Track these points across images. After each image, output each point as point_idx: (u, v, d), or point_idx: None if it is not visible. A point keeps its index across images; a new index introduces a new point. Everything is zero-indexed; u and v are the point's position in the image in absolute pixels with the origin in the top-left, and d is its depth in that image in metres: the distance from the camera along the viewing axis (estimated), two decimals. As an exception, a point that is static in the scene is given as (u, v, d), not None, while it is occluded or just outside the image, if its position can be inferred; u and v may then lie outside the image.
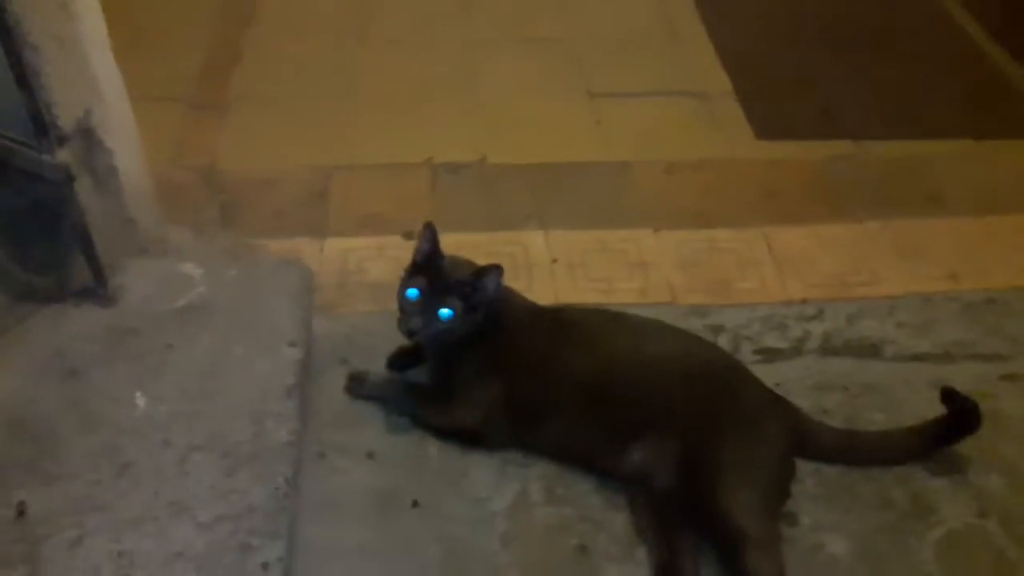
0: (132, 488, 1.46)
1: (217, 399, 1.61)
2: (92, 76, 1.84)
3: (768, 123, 2.81)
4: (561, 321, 1.86)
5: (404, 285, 1.76)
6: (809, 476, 1.79)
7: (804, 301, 2.20)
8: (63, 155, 1.69)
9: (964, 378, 1.97)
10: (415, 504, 1.73)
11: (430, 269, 1.74)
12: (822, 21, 3.34)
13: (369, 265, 2.27)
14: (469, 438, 1.81)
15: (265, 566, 1.36)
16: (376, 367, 1.98)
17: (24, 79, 1.58)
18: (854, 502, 1.75)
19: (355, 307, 2.16)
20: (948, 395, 1.78)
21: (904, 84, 3.02)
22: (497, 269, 1.74)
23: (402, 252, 2.25)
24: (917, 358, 2.06)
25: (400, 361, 1.98)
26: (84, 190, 1.82)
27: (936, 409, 1.87)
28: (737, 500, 1.59)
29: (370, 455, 1.81)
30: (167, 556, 1.36)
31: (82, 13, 1.81)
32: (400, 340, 1.96)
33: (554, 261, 2.30)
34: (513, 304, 1.87)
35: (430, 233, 1.76)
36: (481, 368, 1.79)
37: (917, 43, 3.26)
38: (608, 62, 3.10)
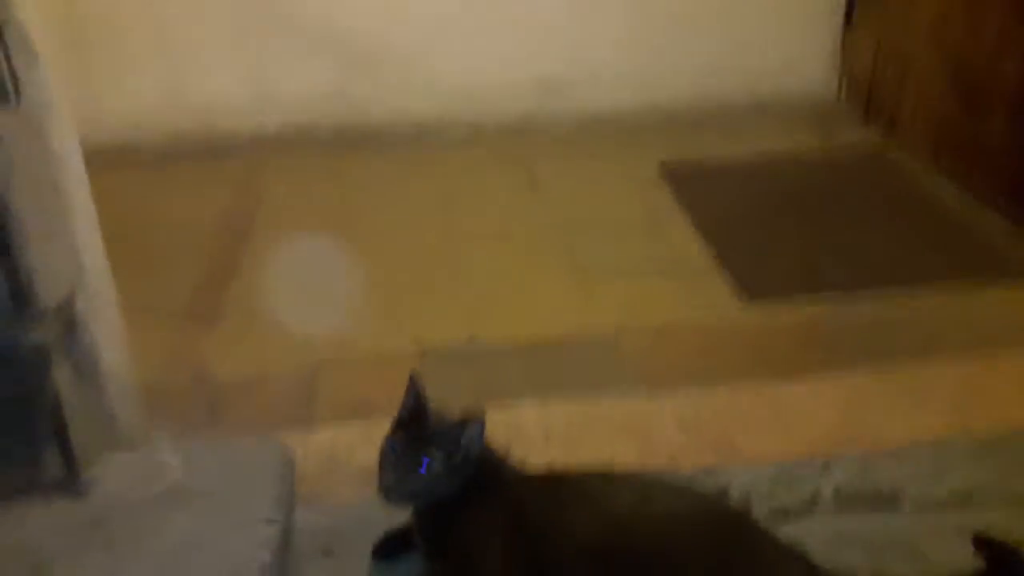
0: None
1: None
2: (79, 261, 1.85)
3: (753, 285, 2.83)
4: (559, 482, 1.76)
5: (387, 439, 1.69)
6: (838, 639, 1.62)
7: (810, 457, 2.10)
8: (41, 334, 1.68)
9: (990, 524, 1.85)
10: None
11: (412, 424, 1.68)
12: (792, 192, 3.46)
13: (357, 452, 2.19)
14: None
15: None
16: (363, 557, 1.86)
17: (5, 247, 1.59)
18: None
19: (341, 496, 2.06)
20: (981, 543, 1.65)
21: (879, 241, 3.07)
22: (478, 419, 1.67)
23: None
24: (938, 507, 1.94)
25: (387, 549, 1.87)
26: (63, 379, 1.79)
27: (966, 557, 1.75)
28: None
29: None
30: None
31: (73, 195, 1.86)
32: (386, 526, 1.87)
33: (547, 438, 2.23)
34: (507, 468, 1.79)
35: (413, 386, 1.71)
36: (482, 535, 1.67)
37: (886, 202, 3.35)
38: (590, 244, 3.18)
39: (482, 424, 1.68)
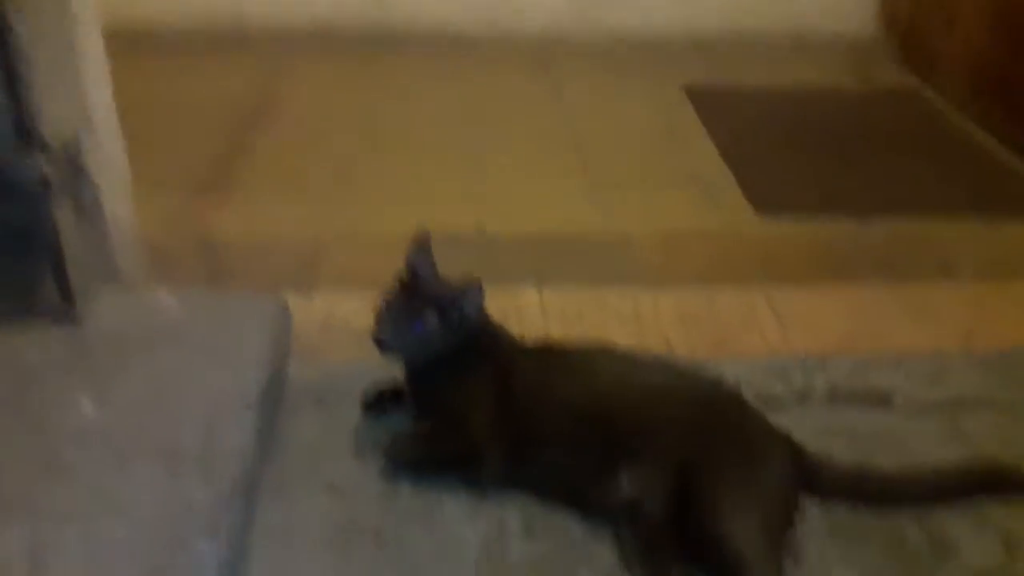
0: (62, 487, 1.35)
1: (170, 409, 1.52)
2: (86, 109, 1.87)
3: (770, 202, 2.79)
4: (553, 352, 1.76)
5: (385, 293, 1.70)
6: (816, 516, 1.62)
7: (807, 356, 2.08)
8: (43, 167, 1.68)
9: (980, 429, 1.84)
10: (378, 537, 1.58)
11: (413, 283, 1.68)
12: (820, 123, 3.40)
13: (355, 319, 2.18)
14: (469, 463, 1.67)
15: (200, 562, 1.22)
16: (354, 409, 1.87)
17: (12, 84, 1.60)
18: (865, 541, 1.57)
19: (337, 356, 2.08)
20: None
21: (906, 170, 3.02)
22: (477, 285, 1.67)
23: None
24: (929, 409, 1.92)
25: (377, 403, 1.87)
26: (64, 216, 1.81)
27: (951, 457, 1.74)
28: (736, 524, 1.45)
29: (333, 488, 1.68)
30: (90, 551, 1.23)
31: (85, 50, 1.88)
32: (380, 384, 1.89)
33: (548, 317, 2.23)
34: (504, 336, 1.79)
35: (418, 246, 1.71)
36: (474, 395, 1.68)
37: (915, 139, 3.28)
38: (607, 151, 3.15)
39: (480, 290, 1.68)
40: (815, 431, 1.82)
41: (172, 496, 1.34)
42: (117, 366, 1.62)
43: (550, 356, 1.74)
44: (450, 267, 1.93)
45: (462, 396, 1.69)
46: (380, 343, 1.65)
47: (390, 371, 1.87)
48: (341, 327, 2.17)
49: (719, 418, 1.62)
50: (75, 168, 1.85)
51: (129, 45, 2.23)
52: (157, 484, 1.36)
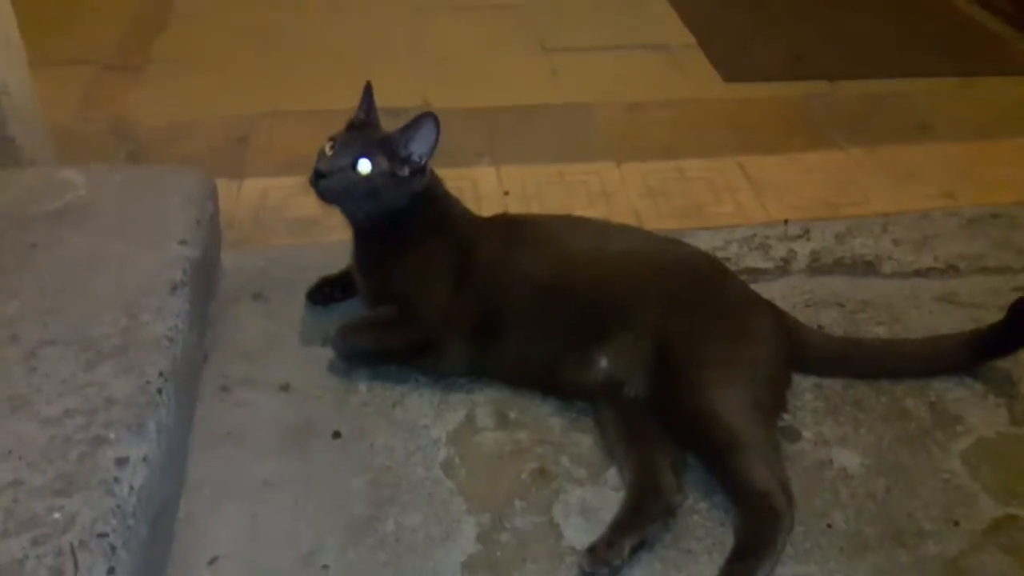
0: (-37, 389, 1.15)
1: (83, 294, 1.32)
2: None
3: (737, 67, 2.61)
4: (514, 223, 1.59)
5: (331, 137, 1.52)
6: (808, 390, 1.50)
7: (787, 222, 1.94)
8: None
9: (973, 291, 1.73)
10: (336, 435, 1.42)
11: (363, 126, 1.52)
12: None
13: (292, 202, 1.99)
14: (428, 351, 1.50)
15: (121, 461, 1.05)
16: (297, 300, 1.68)
17: None
18: (863, 414, 1.46)
19: (273, 242, 1.88)
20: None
21: (877, 31, 2.85)
22: (431, 116, 1.47)
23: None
24: (919, 273, 1.80)
25: (322, 292, 1.69)
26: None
27: (947, 324, 1.63)
28: (724, 398, 1.32)
29: (284, 387, 1.51)
30: (-4, 455, 1.04)
31: None
32: (323, 271, 1.69)
33: (506, 193, 2.04)
34: (459, 207, 1.61)
35: (367, 94, 1.54)
36: (429, 271, 1.51)
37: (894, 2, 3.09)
38: (561, 21, 2.90)
39: (435, 124, 1.48)
40: (800, 303, 1.71)
41: (87, 390, 1.15)
42: (19, 254, 1.41)
43: (512, 227, 1.57)
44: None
45: (415, 273, 1.52)
46: (320, 184, 1.45)
47: (333, 257, 1.69)
48: (276, 212, 1.97)
49: (701, 288, 1.47)
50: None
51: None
52: (70, 378, 1.17)
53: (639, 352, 1.39)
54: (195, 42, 2.72)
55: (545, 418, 1.46)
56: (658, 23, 2.90)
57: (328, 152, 1.47)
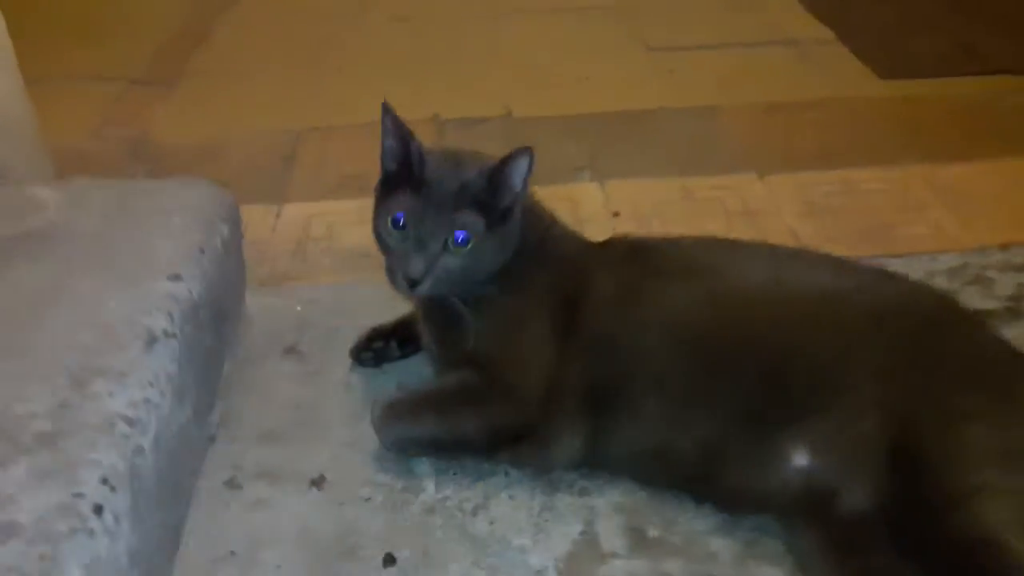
0: None
1: (13, 352, 0.88)
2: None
3: (892, 63, 2.10)
4: (644, 248, 1.11)
5: (381, 209, 1.06)
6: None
7: (1006, 247, 1.41)
8: None
9: None
10: (389, 561, 0.95)
11: (413, 176, 1.03)
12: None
13: (343, 231, 1.56)
14: (521, 442, 1.03)
15: None
16: (339, 358, 1.23)
17: None
18: None
19: (316, 279, 1.43)
20: None
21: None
22: (526, 152, 1.01)
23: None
24: None
25: (374, 350, 1.23)
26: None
27: None
28: (1009, 512, 0.81)
29: (317, 482, 1.05)
30: None
31: None
32: (376, 317, 1.24)
33: (615, 214, 1.57)
34: (559, 228, 1.14)
35: (391, 122, 1.05)
36: (527, 316, 1.05)
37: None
38: (663, 19, 2.45)
39: (529, 161, 1.02)
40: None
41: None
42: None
43: (641, 253, 1.09)
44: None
45: (506, 324, 1.05)
46: (412, 284, 1.01)
47: (391, 298, 1.23)
48: (322, 244, 1.53)
49: (943, 341, 0.97)
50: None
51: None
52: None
53: (860, 442, 0.89)
54: (239, 55, 2.34)
55: (703, 538, 0.96)
56: (781, 17, 2.42)
57: (400, 239, 1.02)
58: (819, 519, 0.90)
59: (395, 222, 1.02)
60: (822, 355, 0.95)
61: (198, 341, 1.04)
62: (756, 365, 0.95)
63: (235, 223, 1.22)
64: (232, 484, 1.06)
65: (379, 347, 1.23)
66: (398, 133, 1.05)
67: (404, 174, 1.04)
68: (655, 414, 0.98)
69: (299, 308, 1.35)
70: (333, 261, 1.47)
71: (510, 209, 1.04)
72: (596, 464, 1.03)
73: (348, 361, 1.23)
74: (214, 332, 1.11)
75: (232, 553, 0.97)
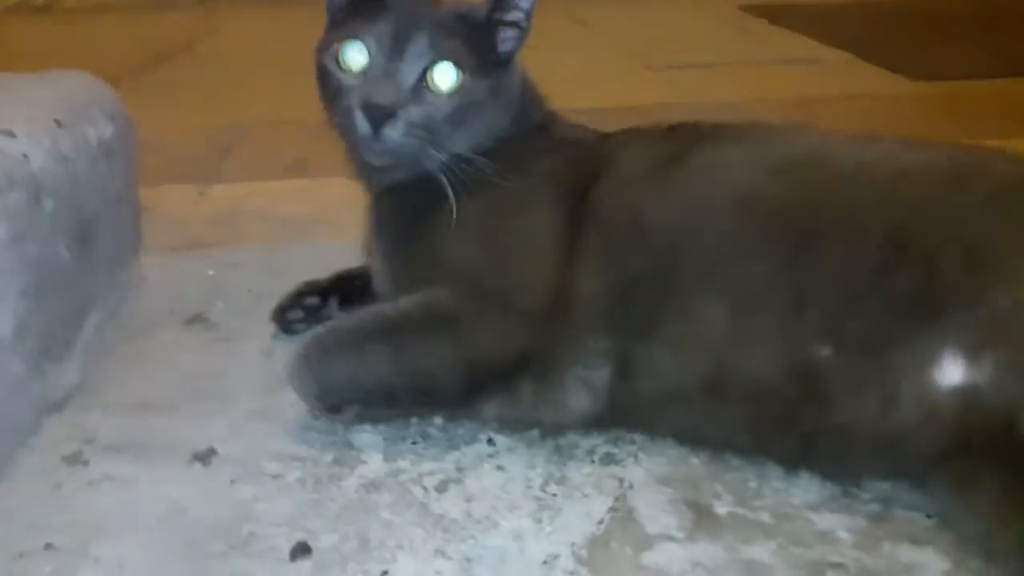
0: None
1: None
2: None
3: (922, 69, 1.92)
4: (686, 125, 0.78)
5: (331, 38, 0.76)
6: None
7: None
8: None
9: None
10: (302, 551, 0.59)
11: (375, 1, 0.75)
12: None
13: (285, 202, 1.25)
14: (515, 378, 0.69)
15: None
16: (257, 328, 0.89)
17: None
18: None
19: (239, 244, 1.11)
20: None
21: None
22: None
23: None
24: None
25: (303, 306, 0.89)
26: None
27: None
28: None
29: (203, 457, 0.70)
30: None
31: None
32: (308, 274, 0.91)
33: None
34: (564, 119, 0.83)
35: None
36: (524, 204, 0.74)
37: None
38: (673, 57, 2.23)
39: None
40: None
41: None
42: None
43: (688, 129, 0.78)
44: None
45: (490, 224, 0.73)
46: (385, 135, 0.70)
47: (331, 261, 0.92)
48: (256, 214, 1.21)
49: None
50: None
51: None
52: None
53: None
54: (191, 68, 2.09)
55: (805, 514, 0.61)
56: (792, 42, 2.22)
57: (359, 77, 0.72)
58: (993, 461, 0.56)
59: (351, 53, 0.72)
60: (965, 228, 0.63)
61: (41, 241, 0.70)
62: (870, 244, 0.63)
63: (121, 129, 0.90)
64: (74, 459, 0.70)
65: (312, 304, 0.89)
66: None
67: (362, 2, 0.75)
68: (713, 326, 0.64)
69: (212, 273, 1.02)
70: (268, 227, 1.15)
71: (511, 52, 0.76)
72: (624, 419, 0.69)
73: (270, 330, 0.90)
74: (74, 251, 0.77)
75: (48, 546, 0.60)
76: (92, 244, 0.82)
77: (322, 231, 1.13)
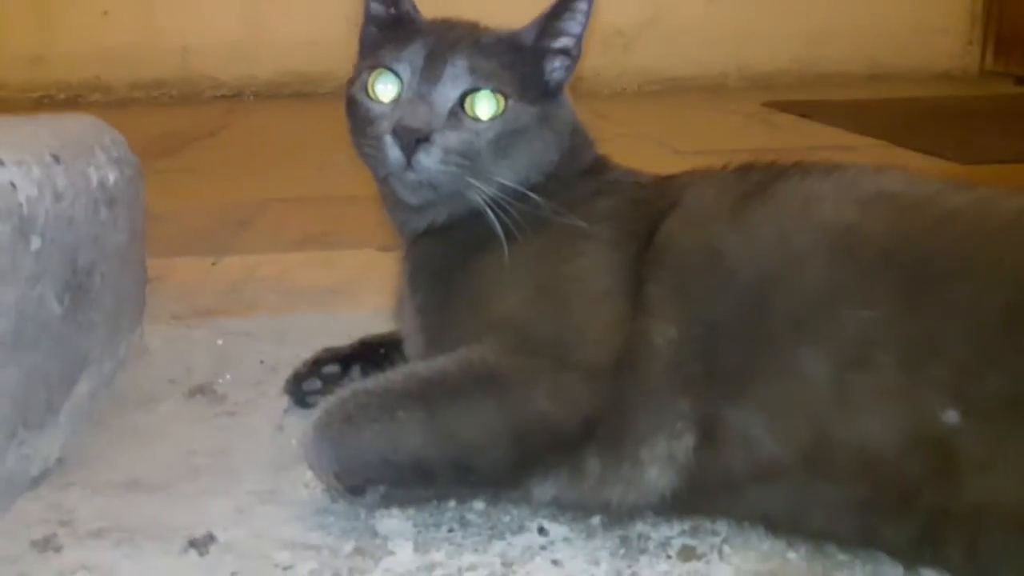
0: None
1: None
2: None
3: (968, 154, 1.84)
4: (758, 164, 0.69)
5: (362, 65, 0.70)
6: None
7: None
8: None
9: None
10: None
11: (409, 23, 0.71)
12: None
13: (300, 272, 1.16)
14: (573, 453, 0.59)
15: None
16: (269, 403, 0.79)
17: None
18: None
19: (251, 313, 1.01)
20: None
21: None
22: None
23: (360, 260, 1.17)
24: None
25: (321, 375, 0.79)
26: None
27: None
28: None
29: (199, 544, 0.59)
30: None
31: None
32: (326, 344, 0.82)
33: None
34: (611, 161, 0.76)
35: None
36: (582, 245, 0.64)
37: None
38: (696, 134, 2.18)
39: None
40: None
41: None
42: None
43: (762, 166, 0.69)
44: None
45: (557, 262, 0.64)
46: (420, 162, 0.63)
47: (352, 331, 0.82)
48: (269, 284, 1.12)
49: None
50: None
51: None
52: None
53: None
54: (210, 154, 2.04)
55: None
56: (824, 133, 2.16)
57: (390, 106, 0.66)
58: None
59: (382, 80, 0.66)
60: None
61: (24, 284, 0.61)
62: (1001, 287, 0.53)
63: (127, 177, 0.82)
64: (45, 545, 0.59)
65: (332, 373, 0.79)
66: None
67: (396, 25, 0.69)
68: (813, 383, 0.54)
69: (220, 342, 0.92)
70: (279, 298, 1.05)
71: (560, 81, 0.69)
72: (707, 501, 0.58)
73: (282, 403, 0.79)
74: (65, 305, 0.68)
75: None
76: (87, 300, 0.73)
77: (339, 302, 1.05)
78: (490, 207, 0.63)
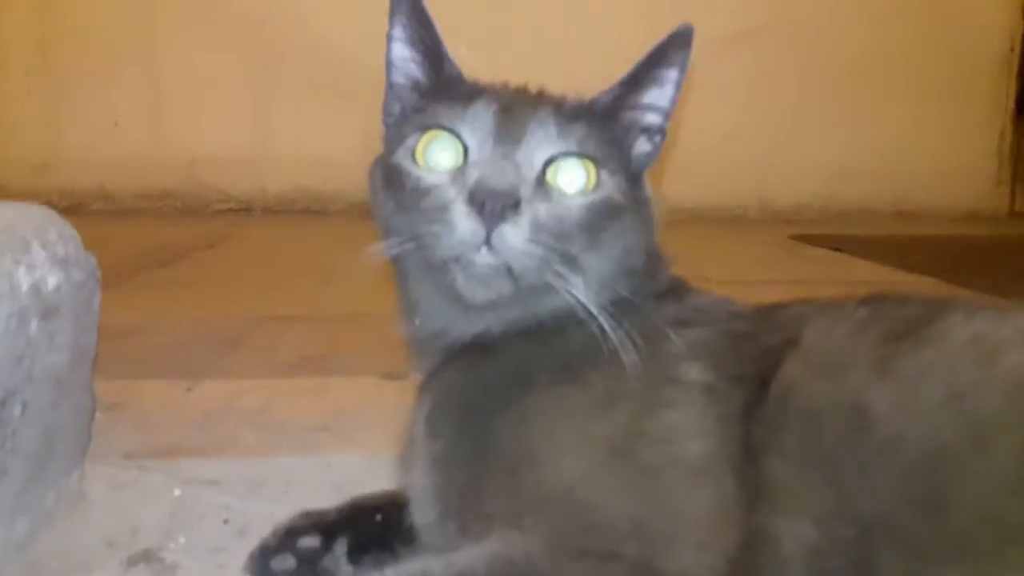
0: None
1: None
2: None
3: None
4: (896, 300, 0.54)
5: (407, 130, 0.56)
6: None
7: None
8: None
9: None
10: None
11: (455, 83, 0.59)
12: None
13: (286, 405, 0.99)
14: None
15: None
16: (207, 569, 0.62)
17: None
18: None
19: (223, 455, 0.84)
20: None
21: None
22: (687, 32, 0.56)
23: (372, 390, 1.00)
24: None
25: (298, 554, 0.61)
26: None
27: None
28: None
29: None
30: None
31: None
32: (309, 500, 0.66)
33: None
34: (692, 285, 0.62)
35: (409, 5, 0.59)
36: (674, 383, 0.49)
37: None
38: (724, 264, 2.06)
39: (687, 47, 0.57)
40: None
41: None
42: None
43: (889, 309, 0.53)
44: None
45: (621, 409, 0.48)
46: (504, 238, 0.49)
47: (338, 478, 0.68)
48: (249, 416, 0.95)
49: None
50: None
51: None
52: None
53: None
54: (200, 267, 1.90)
55: None
56: (854, 268, 2.03)
57: (451, 177, 0.53)
58: None
59: (439, 143, 0.53)
60: None
61: None
62: None
63: (75, 285, 0.66)
64: None
65: (310, 548, 0.61)
66: (415, 15, 0.57)
67: (445, 86, 0.56)
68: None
69: (178, 492, 0.75)
70: (259, 434, 0.88)
71: (646, 162, 0.58)
72: None
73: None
74: None
75: None
76: (3, 436, 0.56)
77: (329, 442, 0.88)
78: (591, 309, 0.47)
